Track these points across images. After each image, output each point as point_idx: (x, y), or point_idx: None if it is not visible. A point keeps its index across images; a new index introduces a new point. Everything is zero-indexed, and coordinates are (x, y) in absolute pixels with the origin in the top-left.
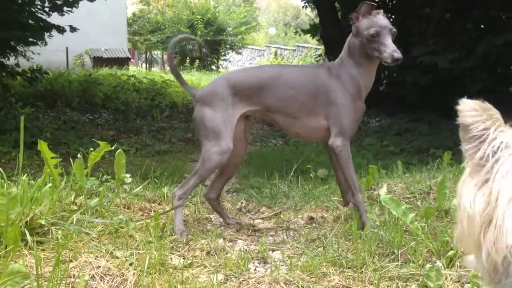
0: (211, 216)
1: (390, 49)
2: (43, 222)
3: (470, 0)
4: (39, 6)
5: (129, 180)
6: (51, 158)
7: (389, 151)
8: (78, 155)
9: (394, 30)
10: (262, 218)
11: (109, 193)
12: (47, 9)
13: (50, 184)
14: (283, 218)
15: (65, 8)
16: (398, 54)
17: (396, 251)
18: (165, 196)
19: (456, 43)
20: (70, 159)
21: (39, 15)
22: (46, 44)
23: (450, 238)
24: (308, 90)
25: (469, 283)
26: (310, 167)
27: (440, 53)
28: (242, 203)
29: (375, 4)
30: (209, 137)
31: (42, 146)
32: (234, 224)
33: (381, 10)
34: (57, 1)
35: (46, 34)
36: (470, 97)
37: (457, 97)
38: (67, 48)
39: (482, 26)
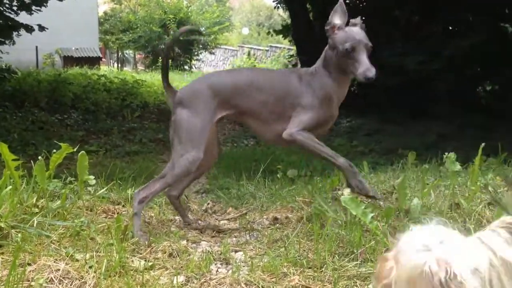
0: (176, 217)
1: (363, 67)
2: (2, 225)
3: (438, 3)
4: (7, 5)
5: (93, 182)
6: (12, 160)
7: (359, 152)
8: (40, 157)
9: (370, 45)
10: (228, 219)
11: (72, 195)
12: (15, 8)
13: (10, 187)
14: (248, 219)
15: (33, 7)
16: (370, 73)
17: (355, 251)
18: (130, 198)
19: (424, 45)
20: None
21: (7, 14)
22: (14, 43)
23: None
24: (278, 95)
25: None
26: (280, 167)
27: (409, 55)
28: (208, 204)
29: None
30: (183, 143)
31: (3, 148)
32: (195, 223)
33: (359, 21)
34: (25, 0)
35: (14, 33)
36: (438, 98)
37: (426, 99)
38: (36, 47)
39: (450, 28)
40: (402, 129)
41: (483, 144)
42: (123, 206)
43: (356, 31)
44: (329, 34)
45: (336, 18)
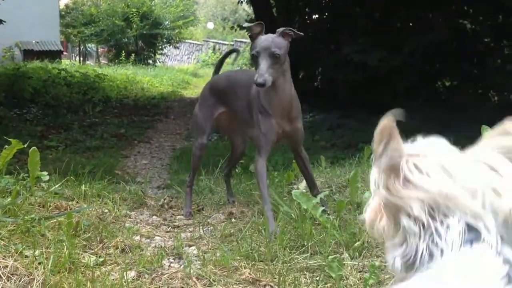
0: (132, 213)
1: (258, 72)
2: None
3: (398, 1)
4: None
5: (47, 178)
6: None
7: (320, 146)
8: None
9: (277, 52)
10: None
11: (24, 191)
12: None
13: None
14: (204, 213)
15: None
16: (260, 79)
17: (306, 244)
18: (84, 194)
19: (384, 41)
20: None
21: None
22: None
23: (358, 230)
24: (246, 102)
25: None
26: (242, 161)
27: (370, 52)
28: (165, 199)
29: (262, 24)
30: (193, 132)
31: None
32: (230, 202)
33: (281, 29)
34: None
35: None
36: (399, 94)
37: (387, 94)
38: None
39: (410, 25)
40: (363, 124)
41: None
42: (77, 202)
43: (265, 38)
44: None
45: (255, 27)
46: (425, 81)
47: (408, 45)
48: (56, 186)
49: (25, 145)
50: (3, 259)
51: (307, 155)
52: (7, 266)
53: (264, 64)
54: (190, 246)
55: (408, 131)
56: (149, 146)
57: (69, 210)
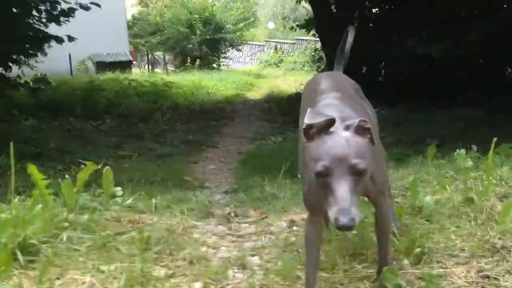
0: (199, 223)
1: (336, 207)
2: (33, 241)
3: None
4: (36, 18)
5: (120, 193)
6: (42, 179)
7: (387, 143)
8: (66, 176)
9: (361, 166)
10: (249, 223)
11: (101, 207)
12: (44, 20)
13: (40, 205)
14: (267, 221)
15: (62, 18)
16: (344, 218)
17: (365, 252)
18: (155, 207)
19: (448, 31)
20: (74, 168)
21: (37, 26)
22: (46, 54)
23: (418, 236)
24: None
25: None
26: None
27: (434, 43)
28: (231, 208)
29: (332, 121)
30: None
31: (32, 169)
32: None
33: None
34: (53, 12)
35: (46, 45)
36: (465, 84)
37: (452, 85)
38: (69, 54)
39: (475, 12)
40: (429, 118)
41: (495, 139)
42: (148, 215)
43: (336, 142)
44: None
45: (311, 116)
46: (492, 69)
47: (473, 33)
48: (129, 200)
49: (102, 165)
50: (81, 275)
51: (388, 213)
52: (84, 282)
53: (344, 189)
54: (253, 256)
55: (476, 122)
56: (216, 150)
57: (141, 224)
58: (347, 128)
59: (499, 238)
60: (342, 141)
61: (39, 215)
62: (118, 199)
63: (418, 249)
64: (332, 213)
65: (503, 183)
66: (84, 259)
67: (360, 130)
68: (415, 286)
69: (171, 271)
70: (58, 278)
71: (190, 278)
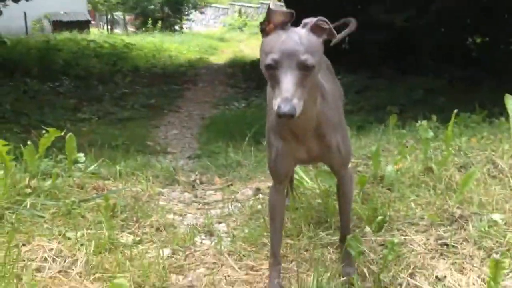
0: (164, 190)
1: (279, 95)
2: None
3: None
4: None
5: (83, 159)
6: (3, 146)
7: (348, 110)
8: (28, 142)
9: (309, 61)
10: (214, 190)
11: (63, 173)
12: None
13: (1, 172)
14: (233, 189)
15: None
16: (285, 107)
17: (329, 220)
18: (119, 174)
19: (412, 1)
20: (33, 132)
21: None
22: (1, 13)
23: (380, 205)
24: None
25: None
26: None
27: (397, 11)
28: (196, 175)
29: (292, 14)
30: None
31: None
32: None
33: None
34: None
35: (1, 4)
36: (427, 53)
37: (415, 54)
38: (25, 13)
39: None
40: (391, 85)
41: (455, 111)
42: (113, 181)
43: (288, 37)
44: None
45: (279, 14)
46: (455, 38)
47: (436, 2)
48: (93, 166)
49: (61, 129)
50: (48, 242)
51: (350, 184)
52: (52, 249)
53: (289, 80)
54: (220, 223)
55: (436, 90)
56: (179, 115)
57: (106, 190)
58: (304, 25)
59: (458, 208)
60: (295, 37)
61: (1, 181)
62: (80, 165)
63: (379, 218)
64: (275, 102)
65: (462, 153)
66: (49, 226)
67: (317, 29)
68: (377, 252)
69: (138, 238)
70: (24, 245)
71: (158, 245)
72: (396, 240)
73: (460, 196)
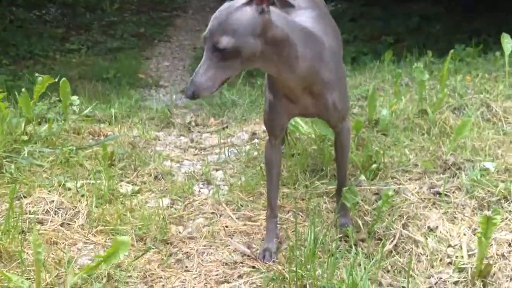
0: (160, 134)
1: (191, 78)
2: None
3: None
4: None
5: (77, 102)
6: None
7: (343, 39)
8: (23, 90)
9: (220, 46)
10: (210, 132)
11: (58, 117)
12: None
13: None
14: (228, 132)
15: None
16: (186, 92)
17: (324, 168)
18: (114, 117)
19: None
20: (24, 62)
21: None
22: None
23: (375, 152)
24: None
25: None
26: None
27: None
28: (191, 117)
29: None
30: None
31: None
32: None
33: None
34: None
35: None
36: None
37: None
38: None
39: None
40: (386, 13)
41: (452, 51)
42: (109, 124)
43: (219, 11)
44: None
45: None
46: None
47: None
48: (88, 110)
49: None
50: (48, 193)
51: (347, 137)
52: (53, 201)
53: (202, 62)
54: (217, 170)
55: (432, 17)
56: (170, 45)
57: (102, 136)
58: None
59: (451, 155)
60: (223, 13)
61: None
62: (75, 108)
63: (374, 165)
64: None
65: (456, 95)
66: (48, 175)
67: (260, 1)
68: (371, 202)
69: (137, 188)
70: (25, 197)
71: (157, 195)
72: (390, 193)
73: (453, 143)
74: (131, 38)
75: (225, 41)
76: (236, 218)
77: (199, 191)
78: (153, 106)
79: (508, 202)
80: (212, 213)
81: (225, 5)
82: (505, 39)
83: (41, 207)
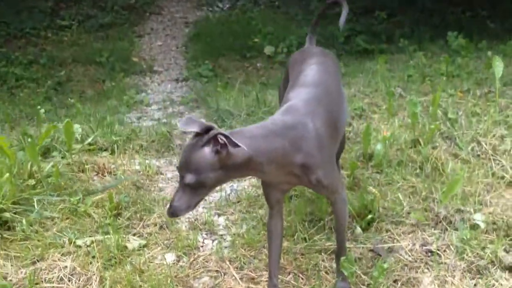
0: (161, 163)
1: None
2: (7, 215)
3: None
4: None
5: (79, 130)
6: (3, 141)
7: (336, 14)
8: (29, 140)
9: (186, 181)
10: None
11: (61, 148)
12: None
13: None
14: None
15: None
16: (167, 212)
17: (322, 219)
18: (116, 144)
19: None
20: (15, 41)
21: None
22: None
23: (370, 201)
24: None
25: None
26: (257, 40)
27: None
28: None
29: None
30: None
31: None
32: None
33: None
34: None
35: None
36: None
37: None
38: None
39: None
40: None
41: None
42: (111, 153)
43: (184, 149)
44: None
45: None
46: None
47: None
48: (89, 139)
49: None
50: (61, 256)
51: (343, 208)
52: (66, 267)
53: (177, 190)
54: (219, 215)
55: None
56: (162, 19)
57: (106, 173)
58: (205, 139)
59: (443, 208)
60: (185, 151)
61: (7, 179)
62: (77, 136)
63: (369, 216)
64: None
65: (448, 124)
66: (58, 230)
67: (216, 142)
68: (368, 260)
69: (144, 241)
70: (38, 261)
71: (162, 247)
72: (386, 265)
73: (445, 199)
74: (123, 12)
75: (189, 178)
76: (240, 279)
77: (203, 241)
78: (152, 132)
79: (495, 268)
80: (217, 271)
81: (190, 142)
82: (496, 61)
83: (55, 273)
